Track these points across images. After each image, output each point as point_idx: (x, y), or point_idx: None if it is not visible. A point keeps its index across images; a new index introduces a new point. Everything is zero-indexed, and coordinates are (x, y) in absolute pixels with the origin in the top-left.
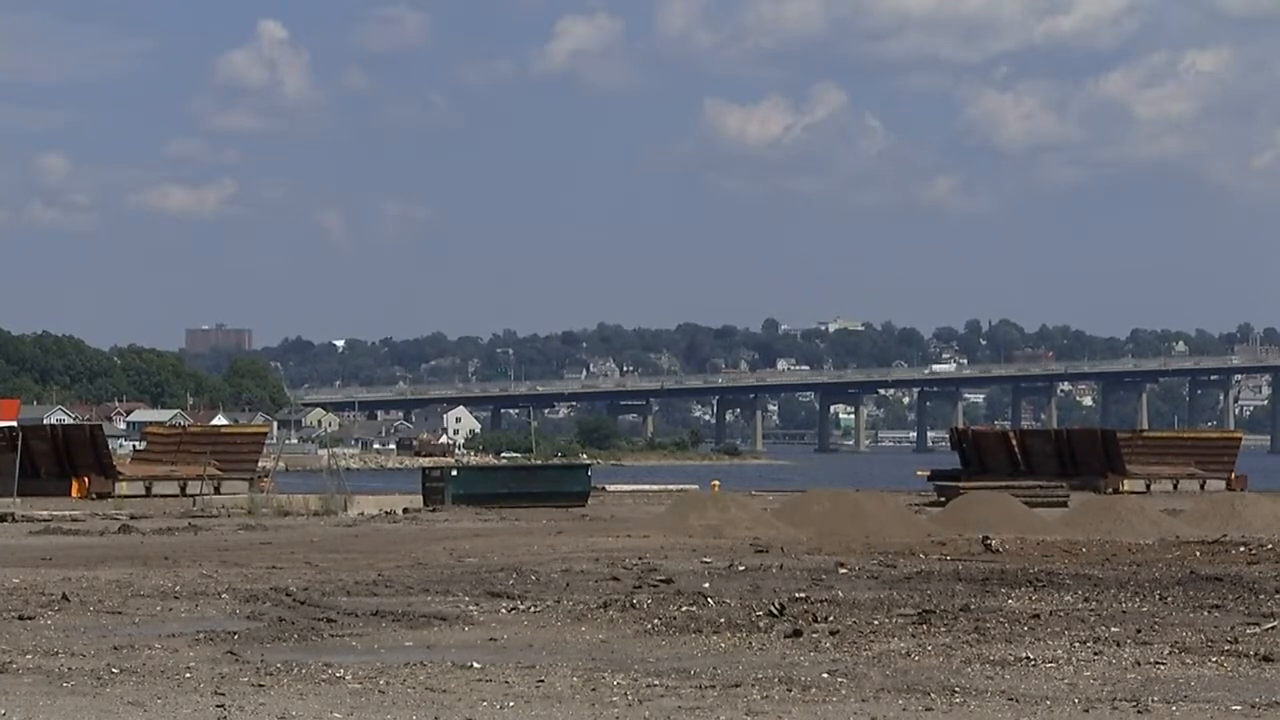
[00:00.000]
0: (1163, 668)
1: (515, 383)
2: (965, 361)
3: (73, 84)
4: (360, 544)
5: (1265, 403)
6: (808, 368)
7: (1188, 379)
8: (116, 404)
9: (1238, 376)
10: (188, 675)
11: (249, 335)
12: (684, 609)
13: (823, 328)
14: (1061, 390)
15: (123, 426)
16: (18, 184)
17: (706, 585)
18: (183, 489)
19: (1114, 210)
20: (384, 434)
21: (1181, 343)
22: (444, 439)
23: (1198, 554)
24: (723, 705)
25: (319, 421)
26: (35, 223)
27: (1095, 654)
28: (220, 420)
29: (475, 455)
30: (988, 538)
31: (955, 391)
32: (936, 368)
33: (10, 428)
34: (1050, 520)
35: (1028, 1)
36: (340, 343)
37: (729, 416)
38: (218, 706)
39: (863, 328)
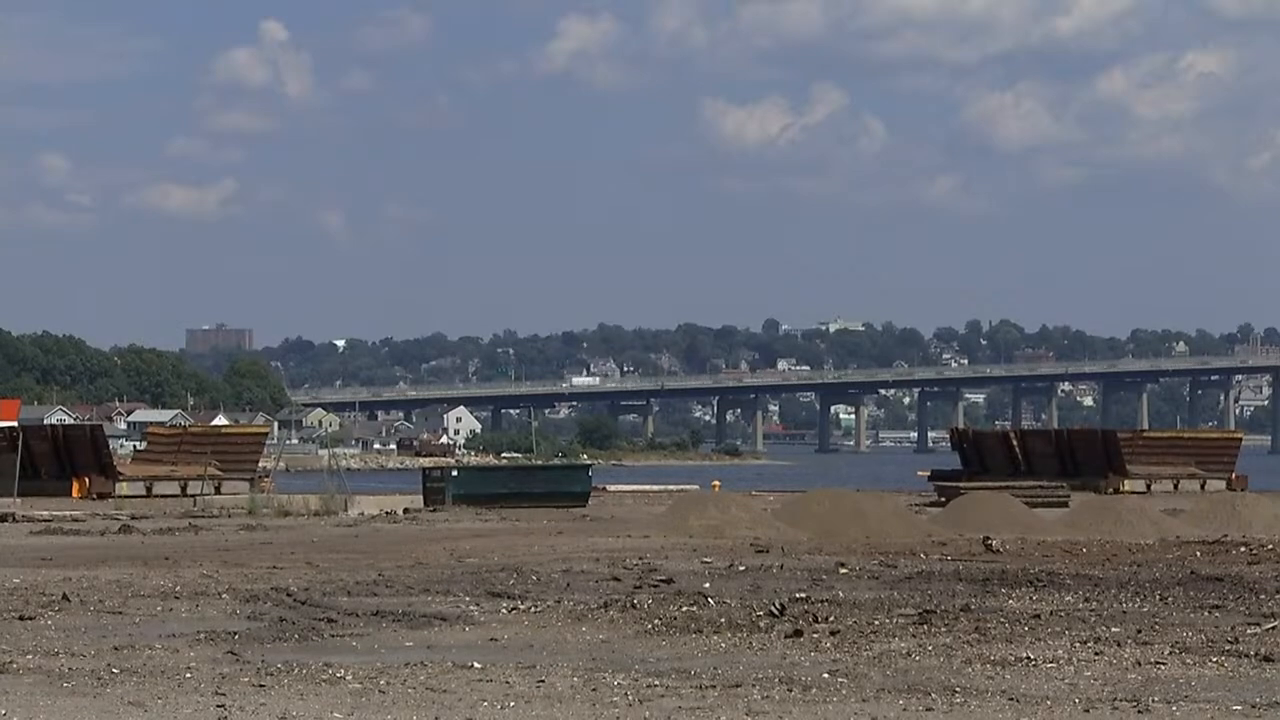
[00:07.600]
0: (1163, 668)
1: (515, 383)
2: (965, 361)
3: (73, 84)
4: (360, 544)
5: (1266, 403)
6: (808, 368)
7: (1188, 379)
8: (117, 404)
9: (1238, 376)
10: (188, 675)
11: (249, 335)
12: (684, 609)
13: (823, 328)
14: (1062, 390)
15: (123, 426)
16: (18, 184)
17: (707, 585)
18: (183, 489)
19: (1114, 210)
20: (384, 434)
21: (1182, 343)
22: (444, 439)
23: (1198, 554)
24: (723, 705)
25: (319, 422)
26: (35, 223)
27: (1096, 654)
28: (221, 420)
29: (476, 455)
30: (988, 538)
31: (955, 392)
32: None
33: (10, 428)
34: (1051, 520)
35: (1027, 2)
36: (340, 343)
37: (729, 417)
38: (218, 707)
39: (863, 328)
